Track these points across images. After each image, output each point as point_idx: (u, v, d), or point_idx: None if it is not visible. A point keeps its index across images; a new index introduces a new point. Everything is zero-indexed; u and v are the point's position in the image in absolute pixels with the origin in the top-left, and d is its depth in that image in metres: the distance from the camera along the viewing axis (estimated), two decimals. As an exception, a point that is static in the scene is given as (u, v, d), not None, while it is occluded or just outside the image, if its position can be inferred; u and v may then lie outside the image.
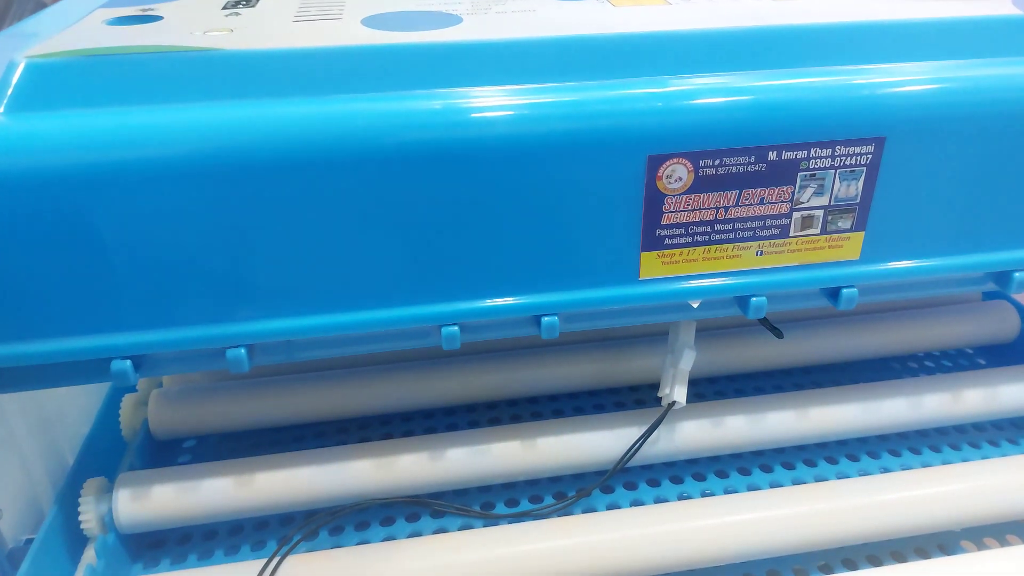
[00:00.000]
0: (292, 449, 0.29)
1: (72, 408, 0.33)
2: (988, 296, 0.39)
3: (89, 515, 0.26)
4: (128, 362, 0.22)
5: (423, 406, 0.33)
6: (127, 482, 0.27)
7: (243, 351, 0.23)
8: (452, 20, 0.25)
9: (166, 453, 0.32)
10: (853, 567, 0.28)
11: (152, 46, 0.22)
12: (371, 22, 0.25)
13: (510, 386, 0.33)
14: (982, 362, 0.38)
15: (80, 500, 0.26)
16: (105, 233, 0.21)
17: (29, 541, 0.29)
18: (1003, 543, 0.29)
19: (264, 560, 0.25)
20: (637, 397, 0.35)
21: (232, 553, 0.28)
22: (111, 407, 0.33)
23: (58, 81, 0.21)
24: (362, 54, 0.22)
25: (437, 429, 0.33)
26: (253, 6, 0.27)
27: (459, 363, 0.33)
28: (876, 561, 0.28)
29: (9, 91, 0.21)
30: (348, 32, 0.24)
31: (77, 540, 0.27)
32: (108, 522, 0.26)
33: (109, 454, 0.30)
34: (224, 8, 0.27)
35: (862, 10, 0.25)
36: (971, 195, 0.25)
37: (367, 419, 0.34)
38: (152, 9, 0.27)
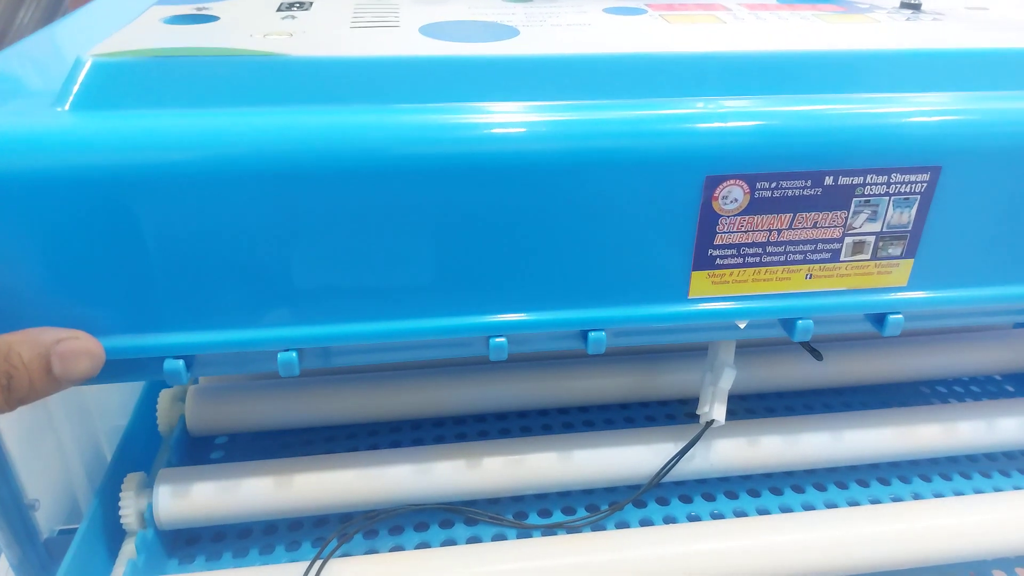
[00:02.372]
0: (323, 450, 0.29)
1: (110, 401, 0.33)
2: (1019, 325, 0.39)
3: (129, 510, 0.26)
4: (181, 362, 0.22)
5: (454, 412, 0.33)
6: (167, 479, 0.27)
7: (294, 355, 0.23)
8: (509, 32, 0.25)
9: (200, 449, 0.32)
10: (884, 592, 0.28)
11: (215, 49, 0.22)
12: (429, 31, 0.25)
13: (542, 396, 0.33)
14: (1010, 389, 0.38)
15: (121, 495, 0.26)
16: (163, 232, 0.21)
17: (64, 532, 0.30)
18: (1035, 573, 0.29)
19: (301, 563, 0.25)
20: (667, 412, 0.35)
21: (267, 552, 0.28)
22: (147, 401, 0.33)
23: (123, 81, 0.21)
24: (424, 65, 0.22)
25: (467, 435, 0.33)
26: (307, 9, 0.27)
27: (492, 371, 0.33)
28: (907, 587, 0.28)
29: (75, 89, 0.21)
30: (408, 41, 0.24)
31: (115, 533, 0.27)
32: (147, 517, 0.27)
33: (145, 448, 0.31)
34: (279, 10, 0.27)
35: (921, 38, 0.25)
36: (1021, 225, 0.25)
37: (398, 423, 0.34)
38: (207, 8, 0.27)
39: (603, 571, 0.26)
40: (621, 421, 0.34)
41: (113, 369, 0.23)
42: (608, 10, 0.28)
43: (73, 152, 0.20)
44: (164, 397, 0.31)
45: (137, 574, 0.25)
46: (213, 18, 0.26)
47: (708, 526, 0.27)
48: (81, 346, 0.20)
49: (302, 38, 0.24)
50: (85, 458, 0.31)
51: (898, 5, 0.30)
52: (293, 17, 0.26)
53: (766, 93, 0.23)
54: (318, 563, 0.24)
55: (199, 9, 0.27)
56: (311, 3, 0.28)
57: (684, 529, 0.27)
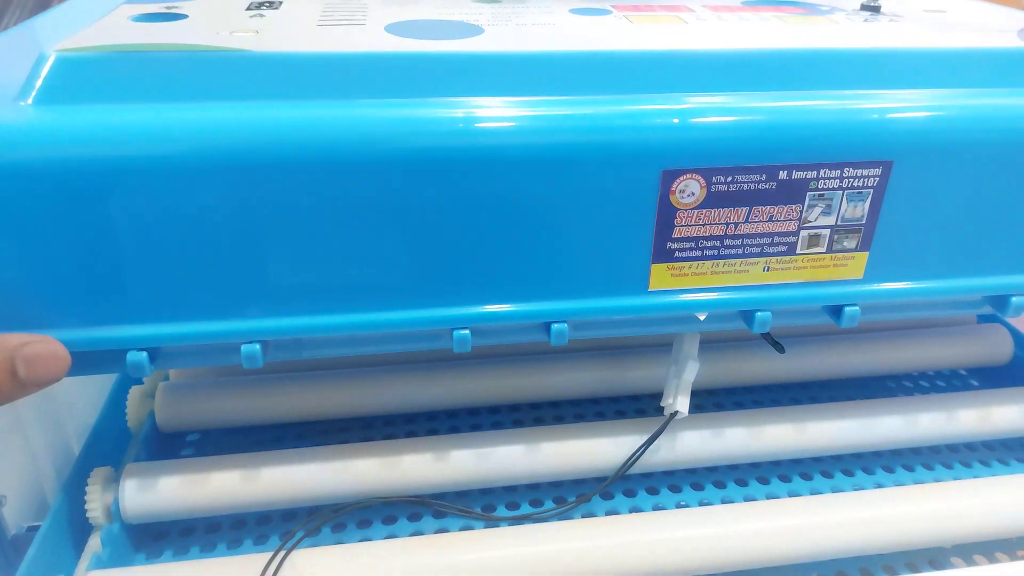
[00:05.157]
0: (294, 446, 0.29)
1: (79, 398, 0.33)
2: (983, 319, 0.40)
3: (95, 504, 0.26)
4: (144, 354, 0.22)
5: (426, 408, 0.34)
6: (134, 473, 0.27)
7: (258, 347, 0.23)
8: (474, 31, 0.25)
9: (170, 445, 0.32)
10: (846, 580, 0.28)
11: (180, 44, 0.23)
12: (395, 29, 0.25)
13: (513, 391, 0.34)
14: (975, 383, 0.38)
15: (87, 489, 0.26)
16: (126, 226, 0.21)
17: (31, 528, 0.30)
18: (992, 560, 0.29)
19: (267, 554, 0.25)
20: (638, 406, 0.35)
21: (235, 546, 0.28)
22: (117, 398, 0.33)
23: (86, 75, 0.21)
24: (386, 61, 0.23)
25: (439, 431, 0.34)
26: (276, 8, 0.28)
27: (462, 366, 0.33)
28: (868, 574, 0.29)
29: (38, 83, 0.21)
30: (372, 39, 0.24)
31: (81, 529, 0.27)
32: (114, 512, 0.27)
33: (115, 444, 0.31)
34: (248, 9, 0.27)
35: (876, 38, 0.26)
36: (972, 220, 0.25)
37: (370, 419, 0.34)
38: (176, 7, 0.28)
39: (567, 560, 0.26)
40: (592, 415, 0.34)
41: (76, 362, 0.23)
42: (573, 11, 0.29)
43: (35, 145, 0.20)
44: (134, 393, 0.31)
45: (101, 567, 0.25)
46: (181, 16, 0.26)
47: (673, 515, 0.28)
48: (46, 349, 0.20)
49: (268, 35, 0.24)
50: (53, 455, 0.31)
51: (858, 7, 0.31)
52: (261, 15, 0.27)
53: (724, 90, 0.24)
54: (281, 554, 0.24)
55: (168, 8, 0.27)
56: (280, 2, 0.28)
57: (648, 519, 0.27)
